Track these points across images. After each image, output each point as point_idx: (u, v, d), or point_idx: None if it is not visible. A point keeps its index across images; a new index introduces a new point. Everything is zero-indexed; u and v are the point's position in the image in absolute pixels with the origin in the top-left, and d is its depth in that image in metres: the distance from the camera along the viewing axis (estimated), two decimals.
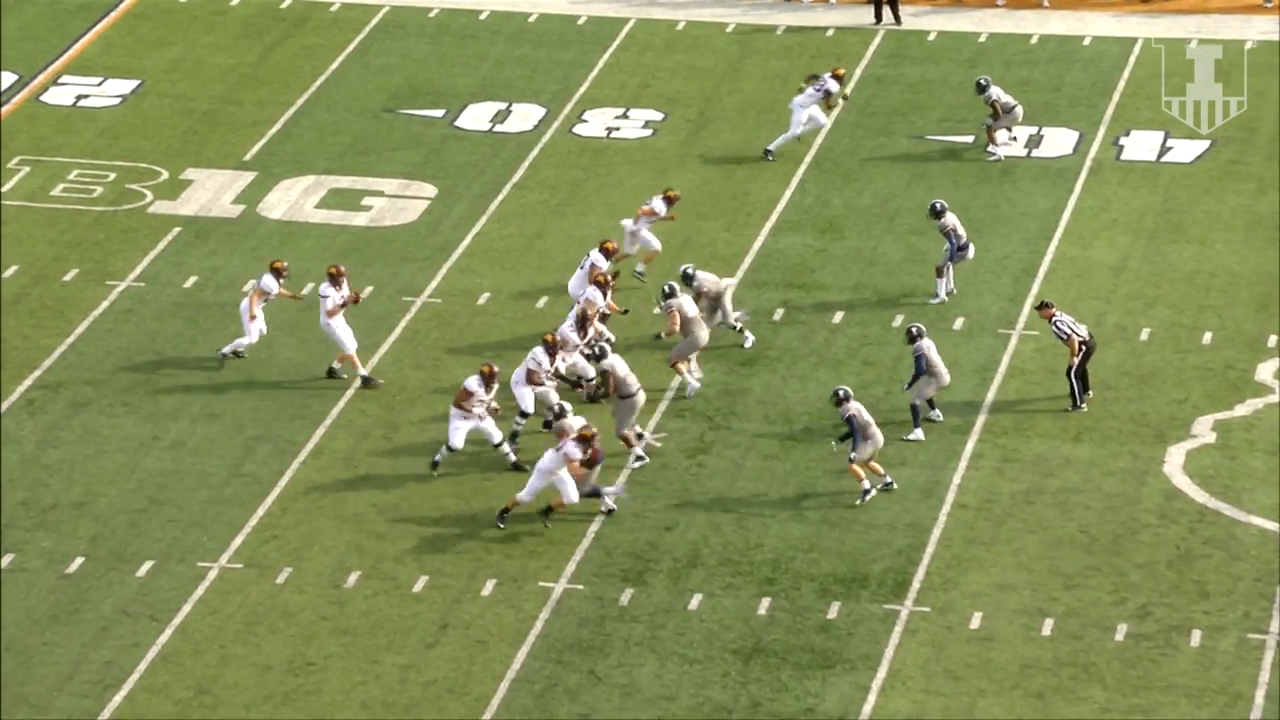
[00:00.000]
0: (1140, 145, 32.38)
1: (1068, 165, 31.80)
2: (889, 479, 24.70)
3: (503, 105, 33.85)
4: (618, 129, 33.24)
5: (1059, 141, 32.43)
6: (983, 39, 35.54)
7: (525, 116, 33.49)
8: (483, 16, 36.65)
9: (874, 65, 34.82)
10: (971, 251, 28.39)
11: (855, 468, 24.59)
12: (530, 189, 31.42)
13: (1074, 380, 26.10)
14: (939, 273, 28.29)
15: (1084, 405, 26.07)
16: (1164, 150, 32.25)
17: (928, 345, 25.64)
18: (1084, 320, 27.90)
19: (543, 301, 28.70)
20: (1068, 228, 30.12)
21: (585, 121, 33.43)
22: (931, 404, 25.89)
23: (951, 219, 28.38)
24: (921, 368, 25.54)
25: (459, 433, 25.01)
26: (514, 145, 32.66)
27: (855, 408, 24.69)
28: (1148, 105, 33.50)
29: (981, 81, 31.40)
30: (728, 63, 35.01)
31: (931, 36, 35.66)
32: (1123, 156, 32.13)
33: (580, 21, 36.44)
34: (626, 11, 36.68)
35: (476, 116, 33.54)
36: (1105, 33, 35.60)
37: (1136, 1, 36.46)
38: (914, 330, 25.67)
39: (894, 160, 32.05)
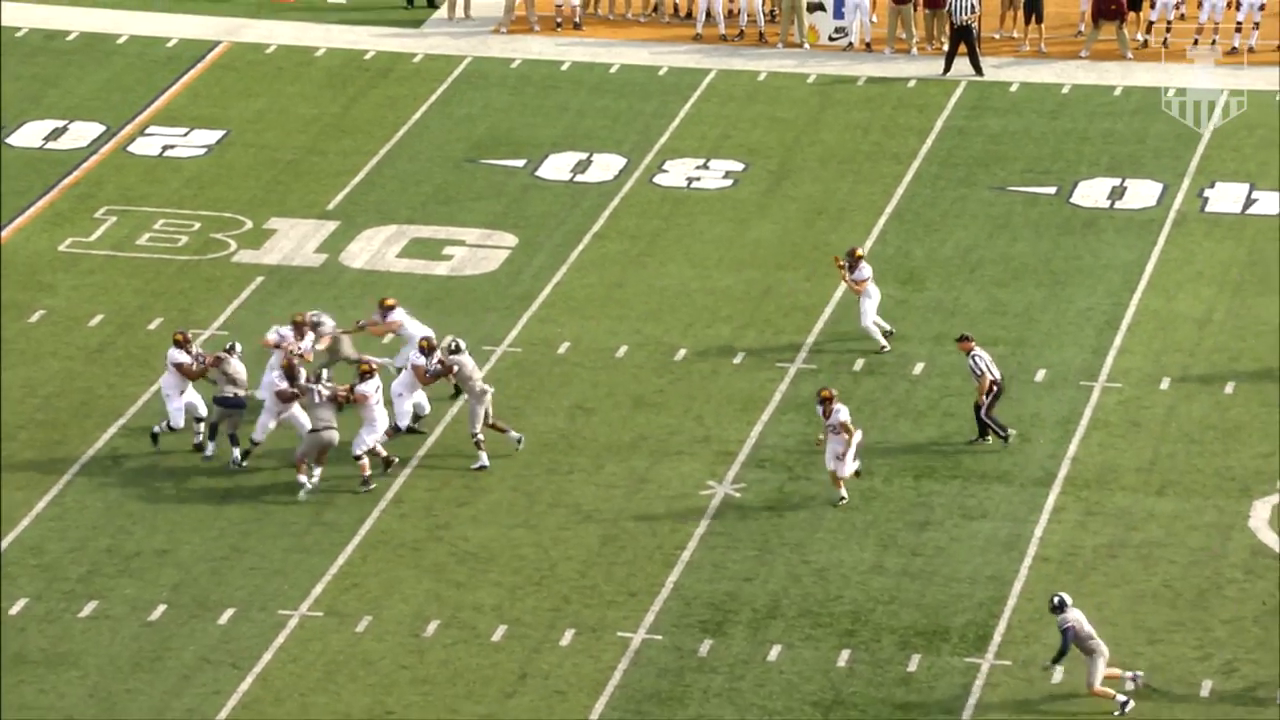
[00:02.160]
0: (1225, 197, 32.21)
1: (1152, 217, 31.66)
2: (1130, 686, 22.17)
3: (584, 155, 34.00)
4: (698, 179, 33.32)
5: (1143, 193, 32.29)
6: (1065, 90, 35.48)
7: (606, 166, 33.62)
8: (564, 67, 36.86)
9: (955, 116, 34.80)
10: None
11: (1098, 688, 21.97)
12: (610, 239, 31.51)
13: (988, 420, 25.80)
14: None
15: (1009, 438, 25.87)
16: (1249, 202, 32.07)
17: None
18: (1169, 373, 27.76)
19: (622, 351, 28.76)
20: (1151, 280, 29.97)
21: (666, 171, 33.53)
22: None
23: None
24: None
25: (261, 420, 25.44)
26: (594, 195, 32.78)
27: (1075, 617, 21.99)
28: (1233, 157, 33.32)
29: None
30: (808, 113, 35.07)
31: (1014, 88, 35.61)
32: (1207, 209, 31.97)
33: (661, 72, 36.59)
34: (708, 63, 36.81)
35: (557, 166, 33.70)
36: (1190, 84, 35.46)
37: (1223, 53, 36.33)
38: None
39: (975, 211, 31.99)
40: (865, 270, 28.42)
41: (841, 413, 25.23)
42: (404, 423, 26.42)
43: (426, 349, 26.31)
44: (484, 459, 26.11)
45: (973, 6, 35.57)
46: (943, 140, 34.04)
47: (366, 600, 24.16)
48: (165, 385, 26.56)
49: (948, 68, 35.92)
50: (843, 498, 25.31)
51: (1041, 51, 36.66)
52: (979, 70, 35.76)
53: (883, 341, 28.29)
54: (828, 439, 25.34)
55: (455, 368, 26.20)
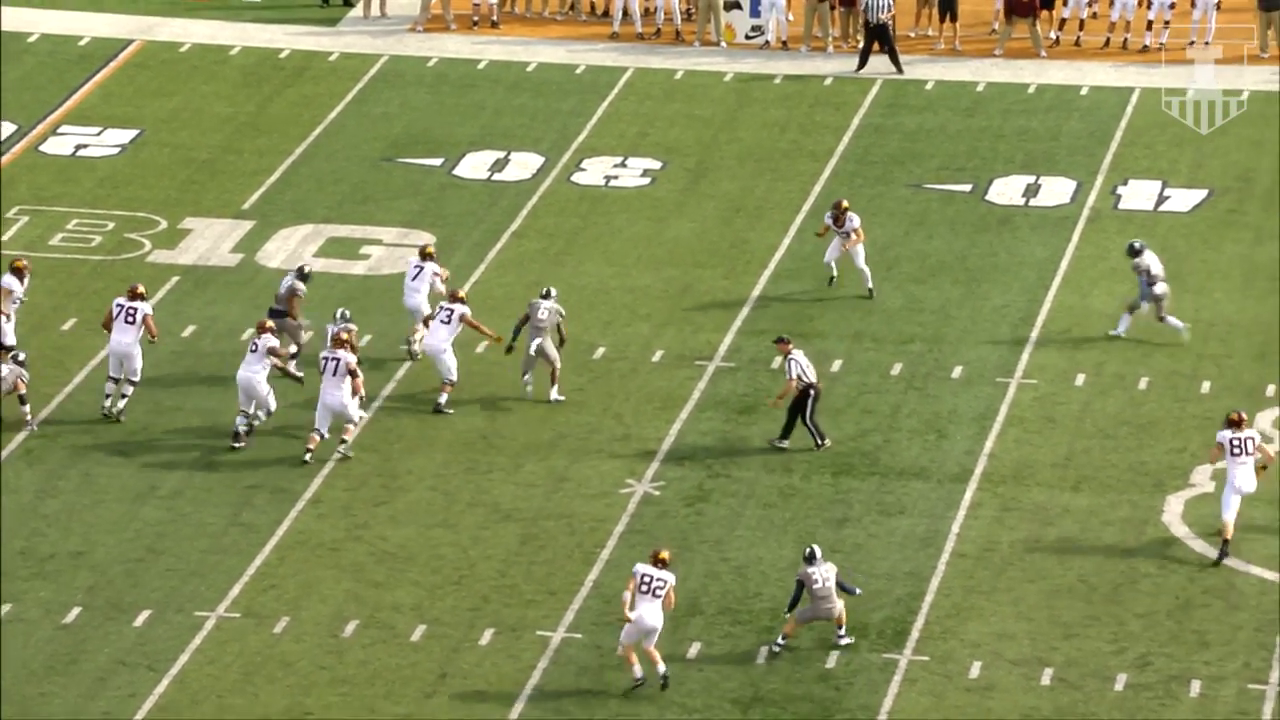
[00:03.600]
0: (1138, 194, 32.50)
1: (1066, 214, 31.91)
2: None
3: (501, 154, 33.98)
4: (616, 177, 33.36)
5: (1057, 191, 32.54)
6: (980, 88, 35.70)
7: (524, 165, 33.61)
8: (481, 66, 36.82)
9: (872, 114, 34.97)
10: (1160, 288, 27.91)
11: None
12: (529, 237, 31.51)
13: (810, 424, 26.07)
14: (1129, 309, 28.10)
15: (822, 446, 26.09)
16: (1161, 199, 32.37)
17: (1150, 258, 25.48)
18: (1083, 369, 28.00)
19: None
20: (1066, 277, 30.21)
21: (584, 170, 33.55)
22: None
23: (1148, 258, 28.07)
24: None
25: None
26: (512, 194, 32.77)
27: (820, 574, 22.68)
28: (1145, 155, 33.62)
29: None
30: (726, 111, 35.16)
31: (929, 86, 35.80)
32: (1120, 206, 32.24)
33: (579, 71, 36.61)
34: (625, 61, 36.85)
35: (475, 165, 33.67)
36: (1103, 82, 35.76)
37: (1134, 52, 36.67)
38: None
39: (892, 209, 32.16)
40: (855, 219, 28.98)
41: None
42: (452, 376, 26.88)
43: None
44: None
45: (888, 5, 35.75)
46: (859, 138, 34.20)
47: (284, 601, 24.09)
48: (258, 374, 26.04)
49: (862, 65, 36.08)
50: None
51: (957, 49, 36.89)
52: (898, 68, 35.94)
53: (869, 286, 29.18)
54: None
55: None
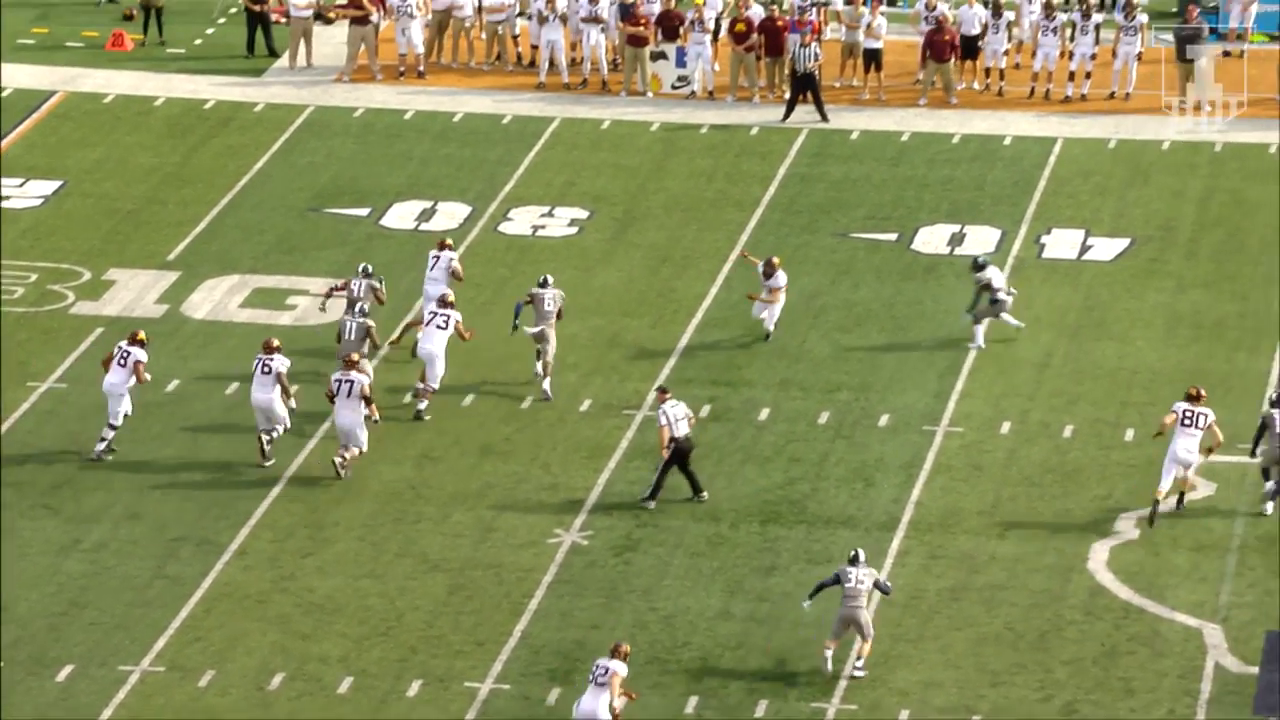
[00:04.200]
0: (1061, 243, 32.79)
1: (991, 262, 32.11)
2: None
3: (428, 204, 34.02)
4: (543, 227, 33.44)
5: (982, 239, 32.80)
6: (905, 138, 35.99)
7: (450, 215, 33.65)
8: (408, 116, 36.87)
9: (798, 163, 35.19)
10: (1001, 298, 29.13)
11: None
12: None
13: (660, 473, 26.06)
14: (976, 321, 29.31)
15: (703, 496, 26.13)
16: (1085, 248, 32.68)
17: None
18: (1009, 417, 28.19)
19: (469, 399, 28.76)
20: (991, 324, 30.41)
21: (511, 220, 33.62)
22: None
23: (990, 273, 29.13)
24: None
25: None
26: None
27: (858, 575, 23.05)
28: (1069, 204, 33.94)
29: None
30: (652, 161, 35.32)
31: (854, 135, 36.06)
32: (1044, 254, 32.53)
33: (505, 121, 36.71)
34: (552, 111, 36.98)
35: (402, 215, 33.69)
36: (1026, 132, 36.11)
37: (1056, 102, 37.04)
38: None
39: (818, 258, 32.34)
40: (781, 278, 29.21)
41: None
42: (436, 385, 27.77)
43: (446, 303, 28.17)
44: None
45: (815, 54, 36.02)
46: (786, 187, 34.41)
47: (210, 654, 23.95)
48: (274, 394, 26.85)
49: (788, 114, 36.31)
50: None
51: (881, 100, 37.17)
52: (824, 117, 36.19)
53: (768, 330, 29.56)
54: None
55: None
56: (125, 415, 27.13)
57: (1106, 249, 32.57)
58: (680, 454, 26.18)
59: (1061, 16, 37.24)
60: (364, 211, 33.75)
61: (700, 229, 33.12)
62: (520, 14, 38.50)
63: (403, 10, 37.67)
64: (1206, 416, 25.47)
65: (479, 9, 38.36)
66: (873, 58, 37.10)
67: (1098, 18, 37.27)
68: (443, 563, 25.45)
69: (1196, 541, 25.66)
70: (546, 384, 28.40)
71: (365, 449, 26.81)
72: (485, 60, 38.55)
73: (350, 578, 25.19)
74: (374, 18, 37.93)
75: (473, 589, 24.97)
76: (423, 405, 27.93)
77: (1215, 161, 35.08)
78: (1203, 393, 25.64)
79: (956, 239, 32.87)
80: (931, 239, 32.82)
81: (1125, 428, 28.05)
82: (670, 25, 37.52)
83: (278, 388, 26.86)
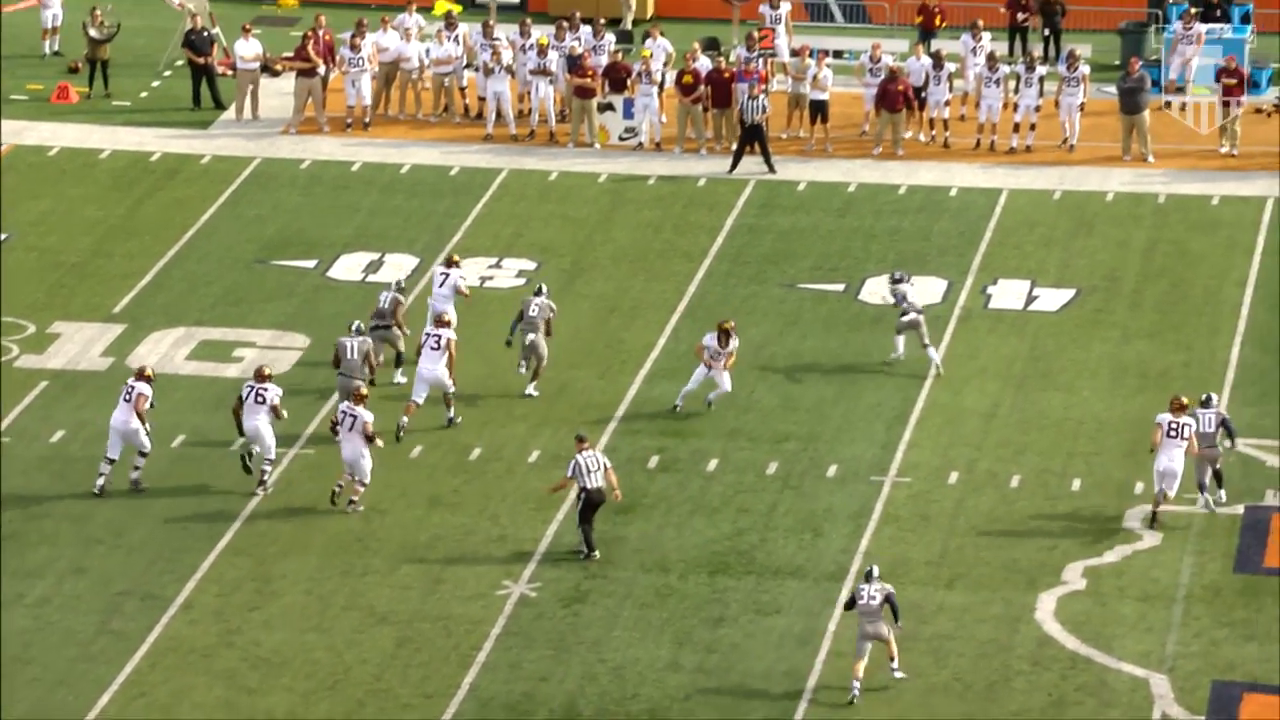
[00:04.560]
0: (1008, 294, 32.98)
1: (938, 313, 32.30)
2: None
3: (376, 255, 34.02)
4: (491, 278, 33.47)
5: (929, 290, 32.96)
6: (852, 188, 36.18)
7: (398, 266, 33.66)
8: (355, 168, 36.90)
9: (745, 214, 35.33)
10: (910, 318, 30.09)
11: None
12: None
13: (581, 528, 26.09)
14: (898, 332, 30.29)
15: (594, 555, 26.03)
16: (1031, 299, 32.87)
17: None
18: (956, 467, 28.30)
19: (417, 450, 28.73)
20: (938, 375, 30.56)
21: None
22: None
23: (904, 288, 30.21)
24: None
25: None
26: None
27: (873, 591, 23.77)
28: (1014, 255, 34.15)
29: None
30: (600, 212, 35.42)
31: (801, 186, 36.24)
32: (991, 305, 32.71)
33: (453, 172, 36.77)
34: (499, 162, 37.06)
35: (349, 267, 33.68)
36: (972, 184, 36.35)
37: (1002, 153, 37.30)
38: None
39: (766, 308, 32.45)
40: (734, 343, 29.36)
41: None
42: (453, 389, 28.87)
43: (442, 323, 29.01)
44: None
45: (763, 106, 36.22)
46: (733, 238, 34.53)
47: (156, 709, 23.81)
48: (264, 421, 27.33)
49: (735, 165, 36.48)
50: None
51: (827, 151, 37.38)
52: (771, 168, 36.36)
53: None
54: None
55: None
56: (142, 453, 27.45)
57: (1052, 299, 32.77)
58: (590, 505, 26.13)
59: (1004, 68, 37.54)
60: (311, 263, 33.73)
61: (648, 280, 33.21)
62: (468, 66, 38.64)
63: (351, 62, 37.75)
64: (1190, 427, 26.59)
65: (426, 61, 38.49)
66: (819, 109, 37.33)
67: (1042, 70, 37.58)
68: (390, 615, 25.37)
69: (1143, 591, 25.78)
70: (532, 388, 29.58)
71: (368, 481, 27.14)
72: (433, 112, 38.64)
73: (297, 631, 25.09)
74: (321, 70, 38.00)
75: (421, 641, 24.90)
76: (451, 411, 28.81)
77: (1159, 213, 35.38)
78: (1185, 402, 26.45)
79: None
80: (879, 289, 32.97)
81: (1072, 478, 28.18)
82: (617, 77, 37.69)
83: (265, 414, 27.35)
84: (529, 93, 37.92)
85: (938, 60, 37.29)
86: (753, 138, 36.25)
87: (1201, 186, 36.11)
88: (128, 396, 27.38)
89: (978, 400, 29.97)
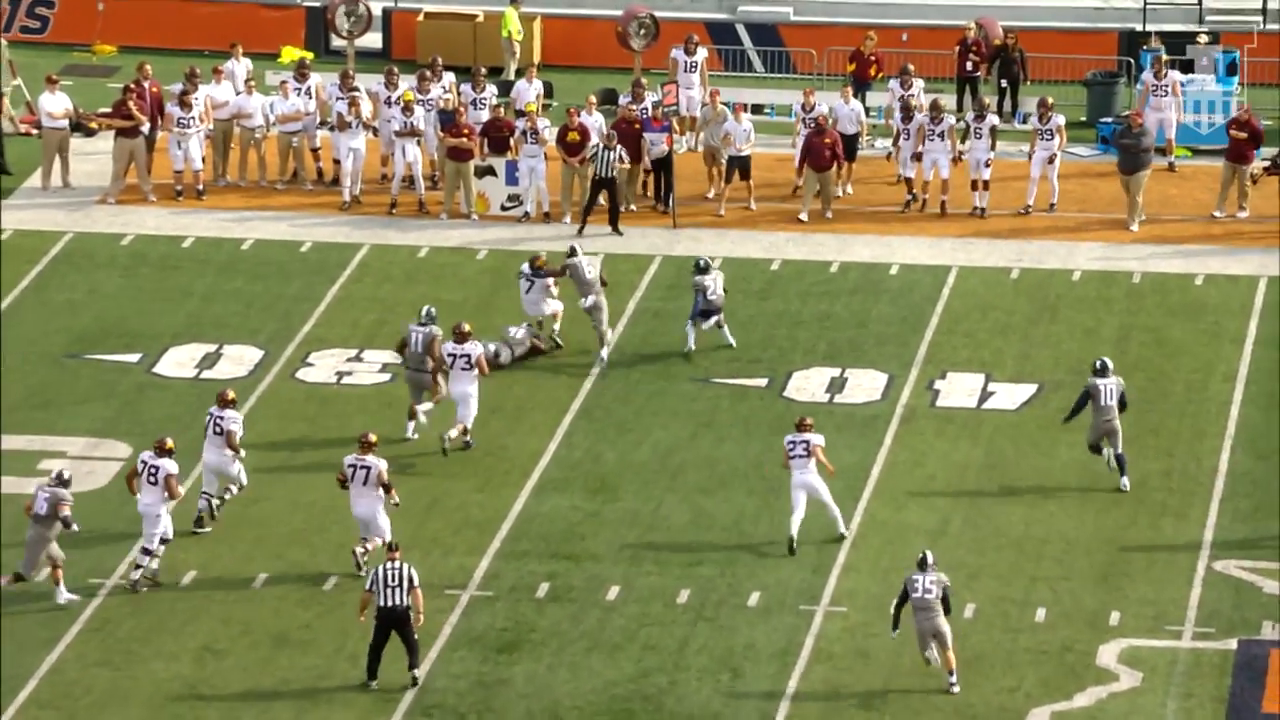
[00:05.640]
0: (958, 390, 33.26)
1: (876, 413, 32.58)
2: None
3: (211, 347, 34.02)
4: (350, 374, 33.53)
5: (866, 385, 33.23)
6: (775, 266, 36.47)
7: (238, 360, 33.67)
8: (187, 244, 36.93)
9: (650, 296, 35.54)
10: (713, 307, 33.01)
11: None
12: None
13: (371, 650, 26.62)
14: (691, 320, 33.07)
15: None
16: (985, 396, 33.16)
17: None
18: (898, 594, 28.45)
19: (261, 579, 28.65)
20: (878, 486, 30.79)
21: (311, 365, 33.68)
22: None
23: (709, 279, 33.18)
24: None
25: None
26: None
27: (928, 580, 25.99)
28: (965, 344, 34.44)
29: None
30: (480, 294, 35.55)
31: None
32: (938, 403, 32.99)
33: (304, 249, 36.85)
34: (359, 236, 37.18)
35: (179, 361, 33.66)
36: (915, 260, 36.67)
37: (951, 220, 37.33)
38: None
39: (675, 408, 32.64)
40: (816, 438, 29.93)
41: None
42: (470, 422, 31.14)
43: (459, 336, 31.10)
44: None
45: (621, 156, 36.41)
46: (636, 325, 34.74)
47: None
48: (226, 454, 29.05)
49: (582, 227, 36.68)
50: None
51: (750, 209, 37.59)
52: (616, 228, 36.61)
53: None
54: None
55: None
56: (163, 540, 28.12)
57: (1010, 396, 33.08)
58: (394, 622, 26.09)
59: (949, 119, 37.78)
60: (134, 357, 33.69)
61: (536, 376, 33.34)
62: (321, 124, 38.74)
63: (181, 119, 37.79)
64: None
65: (271, 118, 38.54)
66: (737, 165, 37.60)
67: (993, 119, 37.74)
68: None
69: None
70: (605, 352, 32.76)
71: (389, 539, 27.52)
72: (279, 179, 38.73)
73: None
74: (144, 128, 38.00)
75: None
76: (464, 435, 30.96)
77: (1133, 295, 35.80)
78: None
79: (836, 385, 33.29)
80: (807, 385, 33.24)
81: (1036, 607, 28.41)
82: (498, 136, 37.89)
83: (224, 445, 28.45)
84: (391, 155, 38.05)
85: (906, 111, 37.39)
86: (603, 188, 36.42)
87: (1183, 263, 36.55)
88: (152, 479, 28.13)
89: (924, 516, 30.21)
